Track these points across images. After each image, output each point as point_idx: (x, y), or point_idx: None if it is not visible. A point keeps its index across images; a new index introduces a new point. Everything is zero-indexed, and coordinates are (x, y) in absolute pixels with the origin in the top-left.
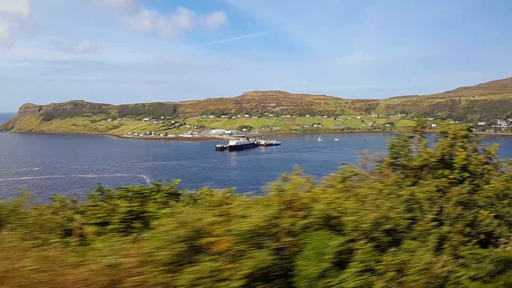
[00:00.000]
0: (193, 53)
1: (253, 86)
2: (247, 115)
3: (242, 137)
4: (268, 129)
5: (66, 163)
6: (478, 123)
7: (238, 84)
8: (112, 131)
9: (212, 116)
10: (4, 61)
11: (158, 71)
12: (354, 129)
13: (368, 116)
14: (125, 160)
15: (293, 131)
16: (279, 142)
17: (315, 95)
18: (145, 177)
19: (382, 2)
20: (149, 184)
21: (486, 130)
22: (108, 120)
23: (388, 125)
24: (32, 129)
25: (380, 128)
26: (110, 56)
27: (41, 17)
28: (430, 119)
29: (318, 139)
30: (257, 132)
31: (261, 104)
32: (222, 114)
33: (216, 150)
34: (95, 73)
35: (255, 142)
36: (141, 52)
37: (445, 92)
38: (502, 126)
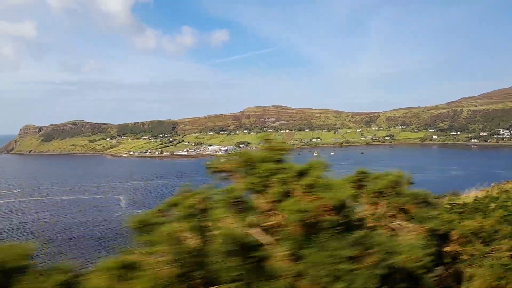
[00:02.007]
0: (197, 71)
1: (255, 101)
2: (246, 131)
3: None
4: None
5: (48, 185)
6: (480, 133)
7: (240, 100)
8: (109, 150)
9: (211, 133)
10: (11, 83)
11: (162, 89)
12: (353, 142)
13: (368, 129)
14: (110, 180)
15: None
16: None
17: (315, 109)
18: (121, 198)
19: (385, 15)
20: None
21: (488, 141)
22: (107, 139)
23: (388, 137)
24: (31, 150)
25: (379, 141)
26: (116, 76)
27: (47, 39)
28: (431, 130)
29: (314, 154)
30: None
31: (260, 120)
32: (221, 131)
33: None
34: (100, 93)
35: None
36: (146, 71)
37: (448, 102)
38: (505, 135)
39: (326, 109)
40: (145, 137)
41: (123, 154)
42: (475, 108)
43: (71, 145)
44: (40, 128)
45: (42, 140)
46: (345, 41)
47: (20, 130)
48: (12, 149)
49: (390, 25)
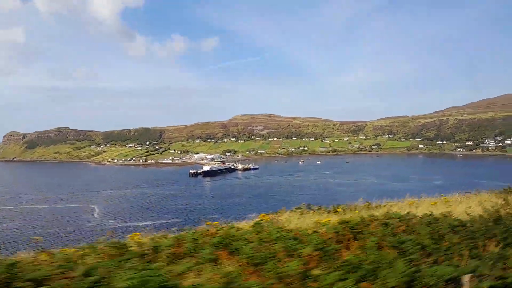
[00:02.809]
0: (187, 78)
1: (244, 109)
2: (233, 139)
3: (222, 161)
4: (253, 152)
5: (25, 193)
6: (466, 143)
7: (229, 108)
8: (94, 158)
9: (198, 141)
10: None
11: (151, 96)
12: (340, 151)
13: (355, 137)
14: (89, 189)
15: (278, 155)
16: (257, 166)
17: (303, 118)
18: (96, 207)
19: (376, 24)
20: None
21: (474, 150)
22: (92, 147)
23: (375, 146)
24: (14, 158)
25: (366, 149)
26: (106, 82)
27: (36, 44)
28: (417, 139)
29: (300, 162)
30: (240, 156)
31: (248, 128)
32: (208, 138)
33: (190, 176)
34: (88, 100)
35: (232, 167)
36: (136, 78)
37: (435, 112)
38: (490, 145)
39: (315, 117)
40: (131, 145)
41: (107, 162)
42: (461, 118)
43: (55, 153)
44: (24, 135)
45: (26, 147)
46: (336, 50)
47: (4, 136)
48: None
49: (380, 35)
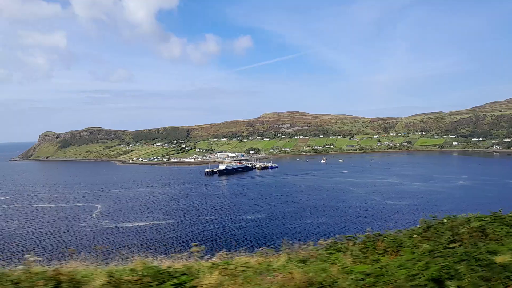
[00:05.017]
0: (219, 78)
1: (273, 107)
2: (259, 137)
3: (239, 160)
4: (277, 150)
5: (40, 192)
6: (504, 140)
7: (258, 106)
8: (121, 156)
9: (224, 139)
10: (43, 92)
11: (182, 97)
12: (368, 149)
13: (386, 135)
14: (101, 187)
15: (302, 153)
16: (276, 165)
17: (332, 115)
18: (99, 206)
19: (411, 19)
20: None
21: None
22: (121, 146)
23: (406, 144)
24: (48, 157)
25: (396, 147)
26: (141, 84)
27: (75, 49)
28: (452, 136)
29: (322, 161)
30: (263, 154)
31: (275, 126)
32: (234, 137)
33: (205, 175)
34: (124, 102)
35: (250, 165)
36: (169, 79)
37: (473, 107)
38: None
39: (344, 115)
40: (158, 144)
41: (132, 160)
42: (500, 113)
43: (86, 151)
44: (58, 135)
45: (59, 147)
46: (369, 46)
47: (40, 136)
48: (31, 155)
49: (416, 30)
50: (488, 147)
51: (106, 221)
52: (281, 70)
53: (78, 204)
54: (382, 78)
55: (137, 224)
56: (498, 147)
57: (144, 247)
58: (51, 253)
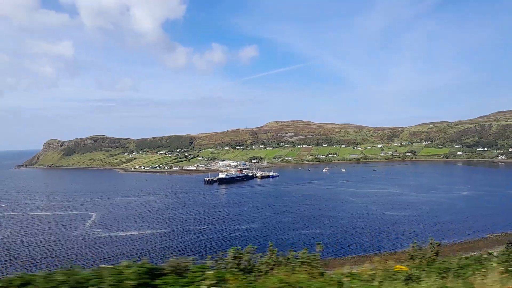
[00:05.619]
0: (225, 87)
1: (277, 116)
2: (262, 146)
3: (239, 169)
4: (279, 159)
5: (38, 199)
6: (510, 150)
7: (262, 115)
8: (124, 165)
9: (226, 148)
10: (48, 100)
11: (187, 106)
12: (371, 158)
13: (390, 144)
14: (99, 195)
15: (305, 162)
16: (277, 174)
17: (336, 124)
18: (94, 215)
19: (419, 30)
20: None
21: None
22: (125, 154)
23: (410, 153)
24: (51, 164)
25: (400, 157)
26: (147, 93)
27: (82, 58)
28: (457, 146)
29: (324, 170)
30: (265, 163)
31: (278, 135)
32: (237, 146)
33: (205, 183)
34: (129, 111)
35: (250, 174)
36: (174, 88)
37: (479, 117)
38: None
39: (348, 124)
40: (162, 152)
41: (134, 169)
42: (506, 123)
43: (90, 159)
44: (62, 143)
45: (63, 154)
46: (375, 57)
47: (44, 144)
48: (35, 163)
49: (422, 41)
50: (493, 157)
51: (99, 230)
52: (287, 80)
53: (74, 212)
54: (388, 88)
55: (130, 233)
56: (503, 157)
57: (134, 257)
58: (38, 262)
